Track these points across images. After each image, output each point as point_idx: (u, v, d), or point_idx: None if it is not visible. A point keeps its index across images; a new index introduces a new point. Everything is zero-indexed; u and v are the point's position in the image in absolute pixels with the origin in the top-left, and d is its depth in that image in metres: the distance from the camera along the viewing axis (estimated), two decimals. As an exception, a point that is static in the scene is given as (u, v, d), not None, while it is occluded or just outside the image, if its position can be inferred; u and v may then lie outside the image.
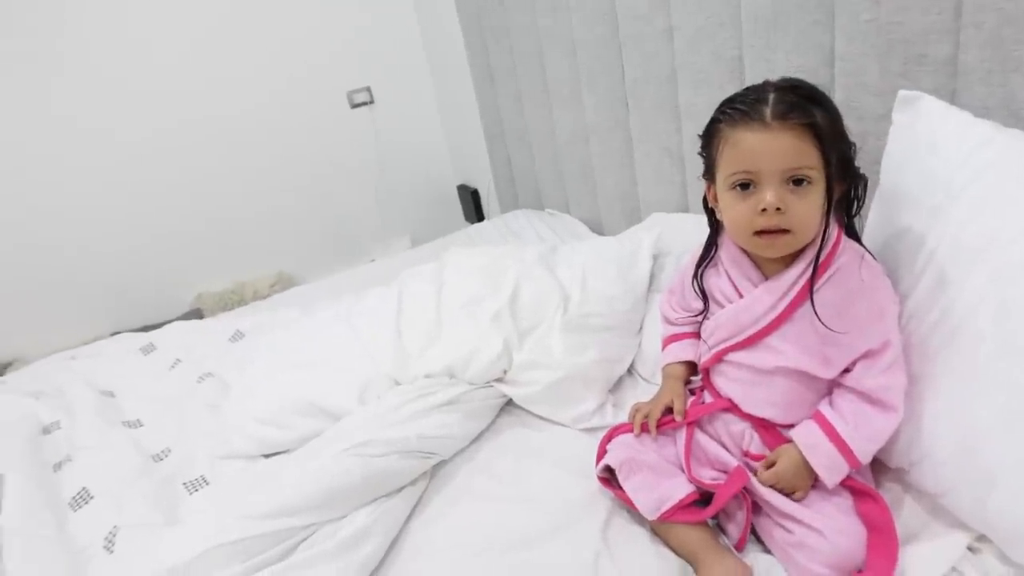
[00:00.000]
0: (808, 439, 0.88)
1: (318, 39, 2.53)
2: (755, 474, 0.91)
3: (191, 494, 1.14)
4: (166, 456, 1.24)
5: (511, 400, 1.22)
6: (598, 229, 1.95)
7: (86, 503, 1.12)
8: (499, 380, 1.22)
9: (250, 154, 2.56)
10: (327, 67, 2.58)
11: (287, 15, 2.47)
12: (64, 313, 2.43)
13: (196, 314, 2.52)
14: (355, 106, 2.66)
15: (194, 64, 2.39)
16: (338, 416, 1.18)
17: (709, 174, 0.94)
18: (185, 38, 2.36)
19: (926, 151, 0.92)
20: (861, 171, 0.90)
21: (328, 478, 1.00)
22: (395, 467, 1.03)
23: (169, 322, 1.79)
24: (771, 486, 0.89)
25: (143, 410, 1.38)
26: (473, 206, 2.81)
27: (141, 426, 1.34)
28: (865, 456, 0.86)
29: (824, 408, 0.89)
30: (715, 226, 1.00)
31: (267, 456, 1.21)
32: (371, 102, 2.68)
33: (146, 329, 1.75)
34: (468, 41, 2.28)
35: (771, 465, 0.90)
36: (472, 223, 2.62)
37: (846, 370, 0.89)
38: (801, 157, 0.82)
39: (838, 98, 1.08)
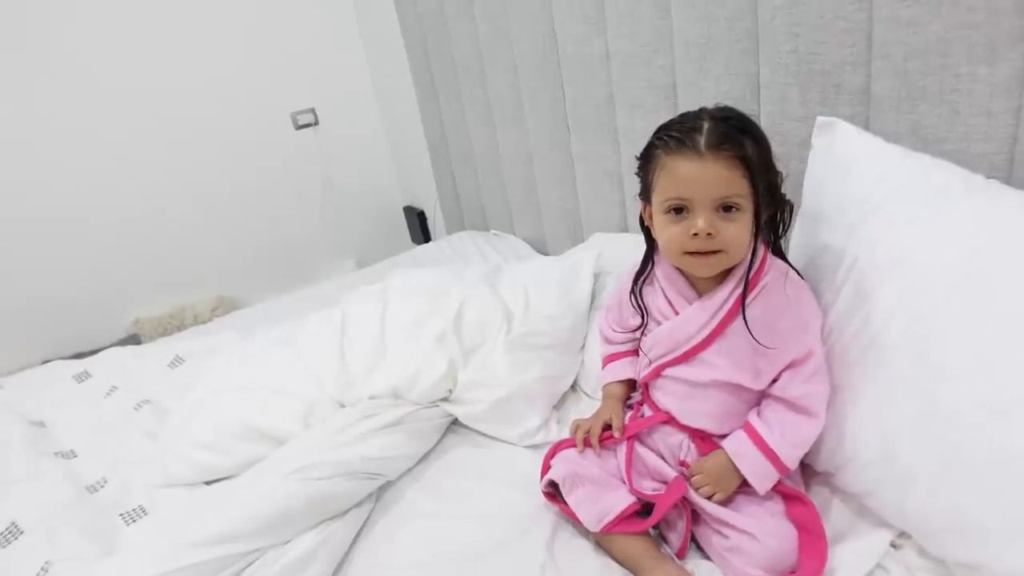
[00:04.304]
0: (739, 448, 0.92)
1: (262, 60, 2.51)
2: (690, 481, 0.94)
3: (128, 525, 1.11)
4: (102, 486, 1.21)
5: (457, 419, 1.23)
6: (542, 249, 1.98)
7: (16, 538, 1.07)
8: (444, 400, 1.23)
9: (192, 175, 2.50)
10: (271, 88, 2.55)
11: (230, 35, 2.44)
12: (-10, 340, 2.32)
13: (133, 340, 2.44)
14: (300, 127, 2.64)
15: (134, 83, 2.33)
16: (282, 440, 1.17)
17: (645, 194, 0.97)
18: (125, 57, 2.30)
19: (842, 173, 0.98)
20: (787, 196, 0.95)
21: (272, 502, 0.98)
22: (340, 490, 1.03)
23: (104, 348, 1.74)
24: (699, 487, 0.92)
25: (77, 439, 1.33)
26: (420, 228, 2.82)
27: (75, 456, 1.30)
28: (792, 462, 0.90)
29: (752, 418, 0.94)
30: (651, 243, 1.03)
31: (208, 483, 1.19)
32: (316, 123, 2.66)
33: (80, 356, 1.69)
34: (413, 62, 2.30)
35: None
36: (419, 245, 2.63)
37: (774, 380, 0.93)
38: (731, 187, 0.86)
39: (764, 124, 1.14)
